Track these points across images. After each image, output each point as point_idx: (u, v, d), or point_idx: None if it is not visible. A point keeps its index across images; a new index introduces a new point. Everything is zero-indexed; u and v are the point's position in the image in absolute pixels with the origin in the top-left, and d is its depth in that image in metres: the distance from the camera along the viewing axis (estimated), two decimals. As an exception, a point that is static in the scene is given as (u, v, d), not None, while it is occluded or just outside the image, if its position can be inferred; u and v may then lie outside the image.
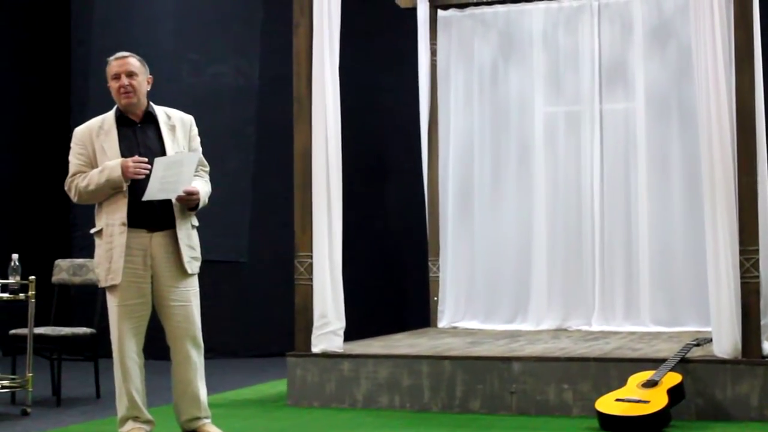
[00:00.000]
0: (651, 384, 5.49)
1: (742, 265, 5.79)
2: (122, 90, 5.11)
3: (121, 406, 5.11)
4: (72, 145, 5.19)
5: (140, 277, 5.07)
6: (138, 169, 4.98)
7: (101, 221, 5.12)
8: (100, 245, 5.12)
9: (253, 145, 10.10)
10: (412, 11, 9.10)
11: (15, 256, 6.40)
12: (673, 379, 5.56)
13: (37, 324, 6.50)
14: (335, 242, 6.56)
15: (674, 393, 5.49)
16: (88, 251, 9.40)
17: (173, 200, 5.09)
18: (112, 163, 5.02)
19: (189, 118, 5.33)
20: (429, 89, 9.06)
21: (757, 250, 5.80)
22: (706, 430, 5.47)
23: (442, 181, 9.10)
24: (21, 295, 6.31)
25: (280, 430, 5.67)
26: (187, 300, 5.19)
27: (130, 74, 5.13)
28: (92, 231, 5.18)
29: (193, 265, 5.18)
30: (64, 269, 7.23)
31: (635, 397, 5.41)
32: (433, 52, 9.13)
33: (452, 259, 9.07)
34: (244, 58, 10.20)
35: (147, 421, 5.15)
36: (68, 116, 10.59)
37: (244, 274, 9.99)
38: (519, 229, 8.87)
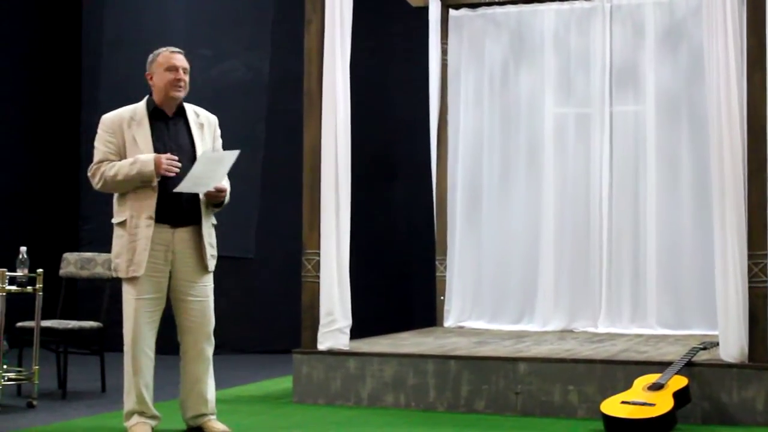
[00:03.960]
0: (657, 387, 5.48)
1: (750, 269, 5.77)
2: (179, 83, 5.18)
3: (129, 401, 5.12)
4: (100, 131, 5.19)
5: (160, 271, 5.10)
6: (170, 167, 5.01)
7: (124, 212, 5.11)
8: (122, 236, 5.11)
9: (263, 142, 10.11)
10: (424, 10, 9.11)
11: (23, 249, 6.41)
12: (679, 382, 5.55)
13: (44, 317, 6.51)
14: (343, 240, 6.56)
15: (680, 396, 5.48)
16: (96, 245, 9.48)
17: (201, 196, 5.15)
18: (144, 157, 5.02)
19: (214, 119, 5.41)
20: (439, 88, 9.07)
21: (766, 255, 5.78)
22: (711, 434, 5.47)
23: (450, 180, 9.11)
24: (28, 288, 6.32)
25: (285, 427, 5.67)
26: (205, 296, 5.24)
27: (185, 70, 5.23)
28: (114, 221, 5.17)
29: (212, 263, 5.24)
30: (71, 263, 7.25)
31: (641, 399, 5.40)
32: (444, 52, 9.13)
33: (459, 259, 9.07)
34: (255, 54, 10.21)
35: (153, 417, 5.17)
36: (78, 110, 10.62)
37: (251, 271, 10.00)
38: (527, 230, 8.87)
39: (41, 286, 6.31)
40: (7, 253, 6.94)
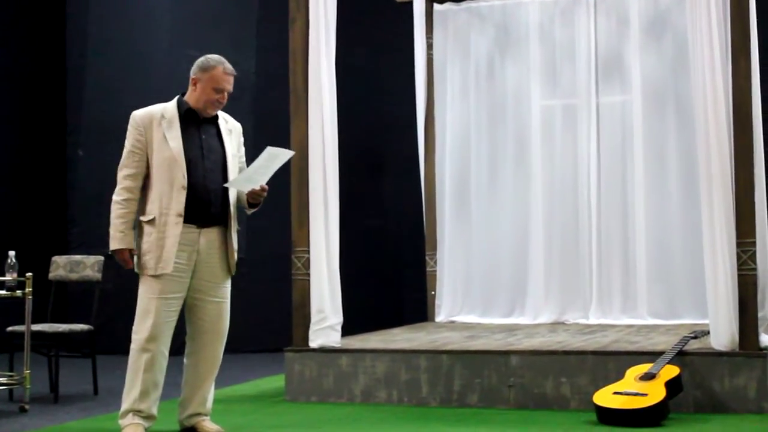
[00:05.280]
0: (649, 377, 5.50)
1: (739, 257, 5.79)
2: (219, 104, 5.26)
3: (129, 399, 5.09)
4: (130, 128, 5.18)
5: (183, 272, 5.11)
6: (121, 263, 5.15)
7: (153, 210, 5.10)
8: (150, 233, 5.10)
9: (250, 140, 10.02)
10: (408, 5, 9.10)
11: (12, 253, 6.39)
12: (671, 371, 5.56)
13: (35, 321, 6.48)
14: (332, 237, 6.56)
15: (672, 386, 5.49)
16: (85, 248, 9.44)
17: (232, 195, 5.23)
18: (113, 241, 5.07)
19: (240, 127, 5.50)
20: (425, 83, 9.08)
21: (754, 243, 5.80)
22: (703, 422, 5.47)
23: (438, 175, 9.11)
24: (18, 292, 6.29)
25: (278, 426, 5.67)
26: (224, 297, 5.30)
27: (229, 93, 5.30)
28: (143, 219, 5.14)
29: (234, 266, 5.31)
30: (61, 266, 7.23)
31: (633, 390, 5.42)
32: (430, 47, 9.14)
33: (449, 253, 9.07)
34: (240, 53, 10.17)
35: (149, 417, 5.13)
36: (64, 112, 10.59)
37: (241, 270, 9.93)
38: (516, 223, 8.88)
39: (31, 290, 6.28)
40: (-5, 257, 6.92)
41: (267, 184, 5.28)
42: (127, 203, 5.10)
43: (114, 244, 5.07)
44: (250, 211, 5.42)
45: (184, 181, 5.07)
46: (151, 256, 5.08)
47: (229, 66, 5.30)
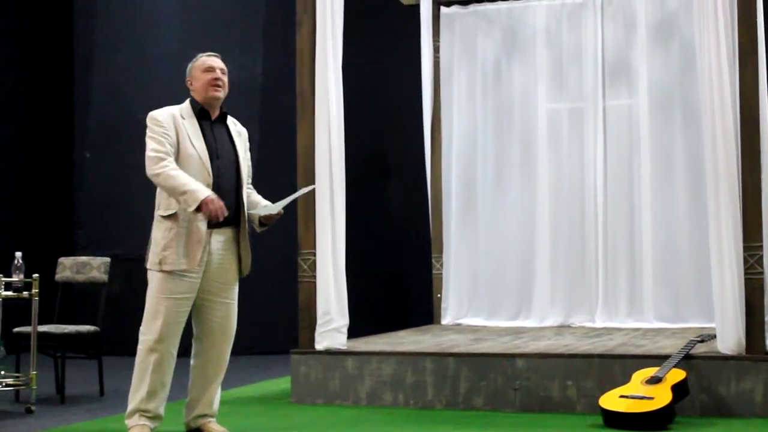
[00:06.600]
0: (655, 380, 5.49)
1: (746, 261, 5.78)
2: (216, 82, 5.20)
3: (136, 397, 5.08)
4: (153, 127, 5.08)
5: (195, 272, 5.09)
6: (216, 212, 4.93)
7: (173, 205, 5.02)
8: (170, 228, 5.04)
9: (256, 143, 10.03)
10: (415, 8, 9.11)
11: (18, 254, 6.40)
12: (677, 375, 5.56)
13: (41, 322, 6.50)
14: (338, 239, 6.56)
15: (678, 389, 5.48)
16: (92, 249, 9.45)
17: (259, 213, 5.27)
18: (199, 192, 4.91)
19: (246, 132, 5.50)
20: (432, 86, 9.08)
21: (761, 246, 5.79)
22: (710, 426, 5.46)
23: (445, 177, 9.11)
24: (24, 293, 6.31)
25: (283, 428, 5.67)
26: (233, 298, 5.30)
27: (223, 71, 5.26)
28: (163, 214, 5.07)
29: (248, 267, 5.31)
30: (67, 267, 7.24)
31: (639, 393, 5.41)
32: (436, 49, 9.14)
33: (456, 256, 9.07)
34: (247, 55, 10.20)
35: (155, 417, 5.12)
36: (71, 114, 10.61)
37: (247, 272, 9.97)
38: (522, 226, 8.88)
39: (37, 291, 6.30)
40: (2, 258, 6.93)
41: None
42: (178, 168, 4.98)
43: (199, 195, 4.87)
44: (260, 230, 5.40)
45: (210, 179, 5.06)
46: (172, 252, 5.02)
47: (210, 53, 5.31)
